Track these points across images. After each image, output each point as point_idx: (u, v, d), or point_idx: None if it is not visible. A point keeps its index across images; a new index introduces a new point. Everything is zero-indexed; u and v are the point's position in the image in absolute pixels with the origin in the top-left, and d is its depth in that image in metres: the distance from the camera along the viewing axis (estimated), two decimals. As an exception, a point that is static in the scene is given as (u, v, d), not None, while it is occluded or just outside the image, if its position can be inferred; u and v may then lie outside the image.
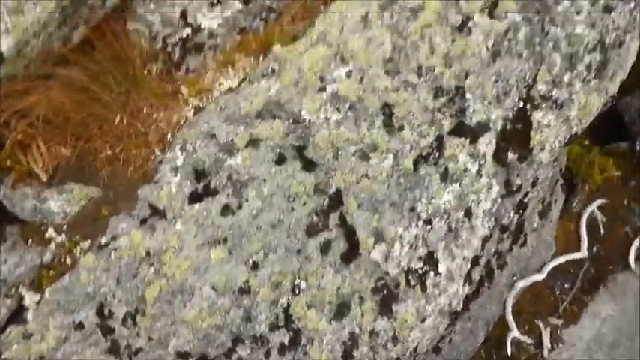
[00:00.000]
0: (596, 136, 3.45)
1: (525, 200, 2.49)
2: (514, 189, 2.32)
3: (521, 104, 2.27)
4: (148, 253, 2.18)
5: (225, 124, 2.09)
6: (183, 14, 2.44)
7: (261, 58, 2.29)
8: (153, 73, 2.34)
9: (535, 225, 2.87)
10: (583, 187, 3.18)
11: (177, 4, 2.43)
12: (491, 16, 2.24)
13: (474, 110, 2.21)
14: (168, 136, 2.30)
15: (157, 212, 2.23)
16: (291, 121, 2.10)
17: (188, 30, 2.43)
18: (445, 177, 2.18)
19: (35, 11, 2.07)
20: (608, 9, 2.29)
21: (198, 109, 2.27)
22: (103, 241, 2.27)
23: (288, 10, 2.42)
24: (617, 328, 2.94)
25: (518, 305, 2.92)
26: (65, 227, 2.42)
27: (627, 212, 3.16)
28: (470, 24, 2.22)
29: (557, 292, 3.00)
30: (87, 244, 2.36)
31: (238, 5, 2.40)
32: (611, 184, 3.21)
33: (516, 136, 2.30)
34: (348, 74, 2.12)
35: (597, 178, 3.18)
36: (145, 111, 2.32)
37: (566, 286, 3.03)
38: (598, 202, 3.14)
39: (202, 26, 2.41)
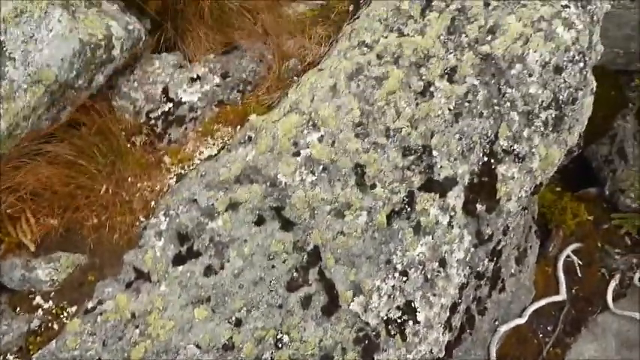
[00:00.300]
0: (567, 182, 3.62)
1: (499, 248, 2.59)
2: (485, 238, 2.43)
3: (485, 159, 2.42)
4: (133, 315, 2.23)
5: (206, 190, 2.21)
6: (165, 90, 2.62)
7: (238, 128, 2.44)
8: (137, 145, 2.48)
9: (512, 271, 2.96)
10: (557, 232, 3.30)
11: (159, 81, 2.62)
12: (450, 81, 2.43)
13: (441, 166, 2.36)
14: (152, 203, 2.41)
15: (141, 275, 2.31)
16: (268, 184, 2.22)
17: (170, 105, 2.60)
18: (418, 230, 2.29)
19: (25, 97, 2.23)
20: (558, 70, 2.48)
21: (180, 177, 2.39)
22: (90, 305, 2.33)
23: (263, 83, 2.60)
24: (601, 369, 2.99)
25: (502, 350, 2.97)
26: (52, 294, 2.48)
27: (602, 254, 3.27)
28: (431, 89, 2.40)
29: (540, 335, 3.06)
30: (74, 309, 2.41)
31: (217, 80, 2.59)
32: (584, 228, 3.34)
33: (483, 189, 2.43)
34: (320, 139, 2.26)
35: (571, 223, 3.30)
36: (129, 180, 2.44)
37: (548, 328, 3.09)
38: (573, 245, 3.26)
39: (183, 101, 2.59)
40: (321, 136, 2.27)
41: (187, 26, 2.64)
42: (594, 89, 2.68)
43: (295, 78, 2.64)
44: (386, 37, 2.46)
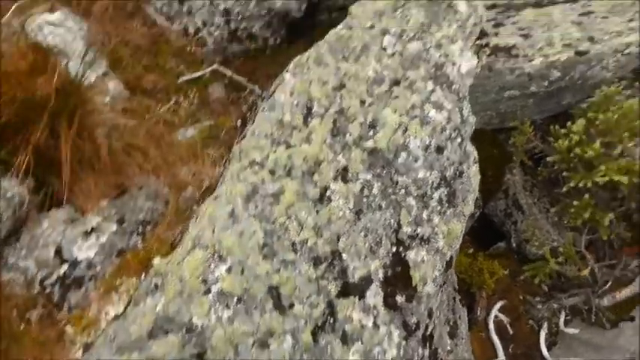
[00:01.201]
0: (477, 242, 3.77)
1: (428, 332, 2.60)
2: (413, 328, 2.44)
3: (394, 249, 2.47)
4: None
5: (118, 355, 2.06)
6: (58, 251, 2.47)
7: (143, 276, 2.35)
8: (33, 322, 2.29)
9: (449, 347, 2.98)
10: (481, 294, 3.40)
11: (50, 242, 2.47)
12: (344, 181, 2.51)
13: (354, 268, 2.37)
14: (57, 389, 2.19)
15: None
16: (184, 331, 2.11)
17: (65, 266, 2.45)
18: (345, 339, 2.26)
19: None
20: (440, 150, 2.64)
21: (87, 347, 2.22)
22: None
23: (163, 219, 2.55)
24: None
25: None
26: None
27: (526, 306, 3.38)
28: (328, 193, 2.46)
29: (491, 403, 3.06)
30: None
31: (113, 227, 2.50)
32: (503, 284, 3.46)
33: (399, 279, 2.47)
34: (229, 270, 2.21)
35: (490, 282, 3.41)
36: (27, 366, 2.21)
37: (496, 394, 3.11)
38: (498, 304, 3.36)
39: (79, 259, 2.45)
40: (229, 267, 2.22)
41: (74, 176, 2.55)
42: (476, 158, 2.87)
43: (195, 207, 2.61)
44: (275, 152, 2.51)
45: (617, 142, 3.21)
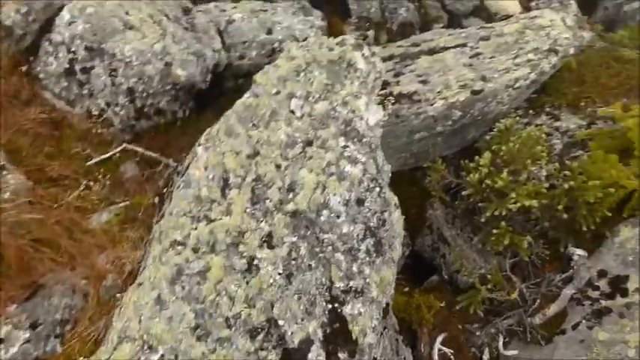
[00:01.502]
0: (412, 279, 3.85)
1: (375, 383, 2.60)
2: (359, 382, 2.43)
3: (329, 307, 2.47)
4: None
5: None
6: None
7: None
8: None
9: (398, 392, 2.99)
10: (422, 330, 3.45)
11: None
12: (271, 247, 2.50)
13: (292, 333, 2.34)
14: None
15: None
16: None
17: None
18: (292, 409, 2.21)
19: None
20: (360, 202, 2.71)
21: None
22: None
23: (83, 315, 2.40)
24: None
25: None
26: None
27: (465, 335, 3.46)
28: (255, 262, 2.44)
29: None
30: None
31: (26, 334, 2.29)
32: (441, 317, 3.53)
33: (339, 336, 2.46)
34: (162, 359, 2.12)
35: (429, 317, 3.47)
36: None
37: None
38: (440, 337, 3.41)
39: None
40: (161, 355, 2.13)
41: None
42: (397, 203, 2.96)
43: (118, 296, 2.49)
44: (196, 229, 2.47)
45: (522, 168, 3.44)
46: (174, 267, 2.33)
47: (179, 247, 2.40)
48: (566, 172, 3.42)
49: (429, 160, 3.85)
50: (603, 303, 3.08)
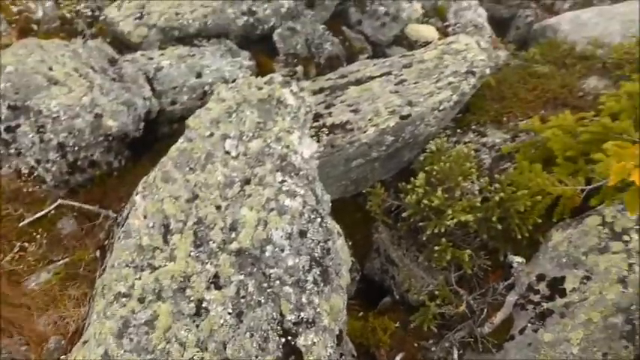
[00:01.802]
0: (365, 302, 3.90)
1: (335, 413, 2.61)
2: (319, 415, 2.43)
3: (283, 340, 2.48)
4: None
5: None
6: None
7: None
8: None
9: (361, 419, 3.00)
10: (379, 352, 3.48)
11: None
12: (218, 288, 2.50)
13: (247, 373, 2.33)
14: None
15: None
16: None
17: None
18: None
19: None
20: (303, 234, 2.76)
21: None
22: None
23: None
24: None
25: None
26: None
27: (422, 352, 3.51)
28: (204, 304, 2.43)
29: None
30: None
31: None
32: (398, 337, 3.59)
33: (296, 369, 2.47)
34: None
35: (385, 339, 3.52)
36: None
37: None
38: (397, 358, 3.46)
39: None
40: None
41: None
42: (340, 231, 3.03)
43: (63, 358, 2.39)
44: (140, 279, 2.44)
45: (455, 185, 3.61)
46: (119, 320, 2.29)
47: (124, 299, 2.36)
48: (496, 185, 3.61)
49: (368, 186, 3.96)
50: (545, 305, 3.23)
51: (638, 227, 3.28)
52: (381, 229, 3.97)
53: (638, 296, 3.03)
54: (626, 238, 3.25)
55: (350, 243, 3.91)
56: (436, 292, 3.47)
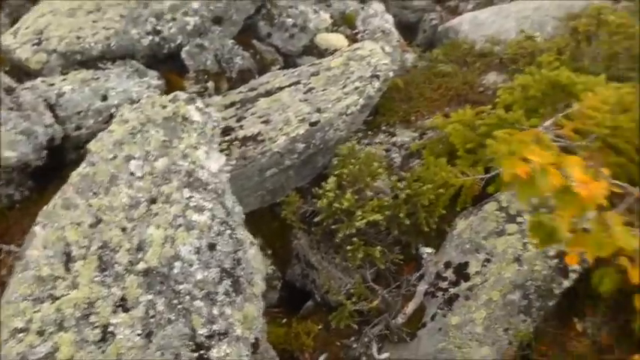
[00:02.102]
0: (288, 309, 4.00)
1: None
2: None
3: (195, 355, 2.53)
4: None
5: None
6: None
7: None
8: None
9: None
10: (304, 356, 3.58)
11: None
12: (125, 310, 2.52)
13: (159, 390, 2.37)
14: None
15: None
16: None
17: None
18: None
19: None
20: (212, 247, 2.82)
21: None
22: None
23: None
24: None
25: None
26: None
27: (344, 350, 3.65)
28: (110, 329, 2.45)
29: None
30: None
31: None
32: (321, 339, 3.70)
33: (209, 384, 2.52)
34: None
35: (308, 342, 3.62)
36: None
37: None
38: (321, 358, 3.58)
39: None
40: None
41: None
42: (253, 240, 3.11)
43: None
44: (39, 311, 2.42)
45: (365, 186, 3.78)
46: (16, 357, 2.26)
47: (21, 335, 2.33)
48: (404, 182, 3.81)
49: (286, 194, 4.06)
50: (452, 291, 3.43)
51: (530, 209, 3.56)
52: (299, 235, 4.08)
53: (532, 272, 3.29)
54: (520, 219, 3.52)
55: (270, 252, 4.01)
56: (352, 291, 3.62)
